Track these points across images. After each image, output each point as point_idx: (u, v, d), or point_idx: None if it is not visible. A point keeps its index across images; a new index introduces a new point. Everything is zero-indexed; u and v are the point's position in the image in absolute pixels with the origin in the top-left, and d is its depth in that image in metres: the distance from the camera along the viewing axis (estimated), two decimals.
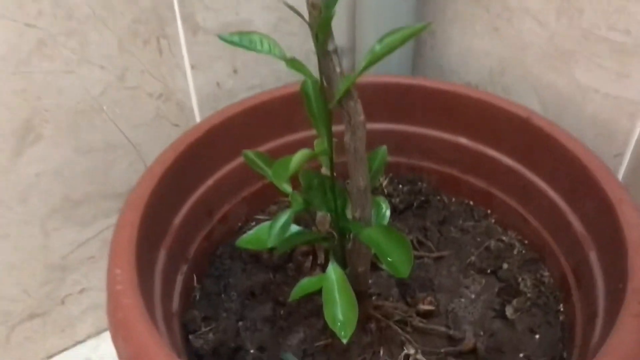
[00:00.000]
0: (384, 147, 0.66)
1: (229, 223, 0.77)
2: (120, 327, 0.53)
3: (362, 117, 0.54)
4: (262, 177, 0.80)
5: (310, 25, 0.49)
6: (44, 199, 0.80)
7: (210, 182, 0.73)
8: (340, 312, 0.58)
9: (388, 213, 0.67)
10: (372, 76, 0.78)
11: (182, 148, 0.69)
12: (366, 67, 0.51)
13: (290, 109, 0.78)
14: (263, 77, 0.90)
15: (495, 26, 0.81)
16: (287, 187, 0.62)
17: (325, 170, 0.68)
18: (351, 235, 0.63)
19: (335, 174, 0.59)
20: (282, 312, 0.69)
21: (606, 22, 0.68)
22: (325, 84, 0.51)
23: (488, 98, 0.75)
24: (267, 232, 0.56)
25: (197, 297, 0.71)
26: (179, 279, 0.69)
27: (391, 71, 0.85)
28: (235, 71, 0.86)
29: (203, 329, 0.67)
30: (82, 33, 0.72)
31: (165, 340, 0.56)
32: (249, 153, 0.62)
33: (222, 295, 0.71)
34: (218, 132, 0.73)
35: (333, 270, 0.61)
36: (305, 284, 0.63)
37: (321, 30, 0.47)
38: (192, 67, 0.82)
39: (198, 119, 0.87)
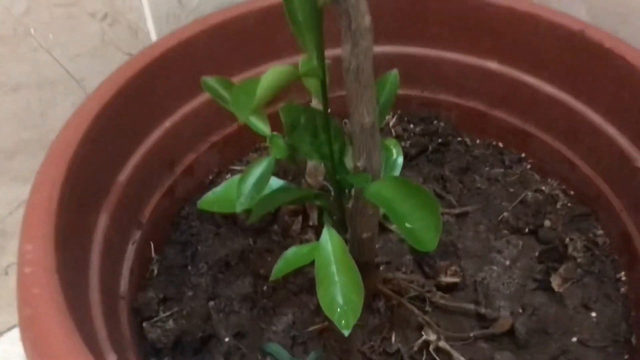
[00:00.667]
0: (395, 72, 0.49)
1: (197, 176, 0.63)
2: (28, 329, 0.37)
3: (367, 20, 0.37)
4: (236, 118, 0.64)
5: None
6: None
7: (167, 123, 0.58)
8: (340, 294, 0.45)
9: (400, 160, 0.51)
10: None
11: (127, 79, 0.53)
12: None
13: (270, 26, 0.62)
14: None
15: None
16: (263, 127, 0.46)
17: (316, 104, 0.51)
18: (353, 191, 0.47)
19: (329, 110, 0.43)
20: (264, 287, 0.57)
21: None
22: None
23: (526, 7, 0.59)
24: (237, 191, 0.40)
25: (155, 272, 0.57)
26: (129, 250, 0.54)
27: None
28: None
29: (161, 315, 0.53)
30: None
31: (98, 343, 0.41)
32: (210, 80, 0.45)
33: (189, 267, 0.59)
34: (176, 58, 0.57)
35: (329, 238, 0.46)
36: (292, 256, 0.48)
37: None
38: None
39: None
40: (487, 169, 0.66)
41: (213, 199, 0.48)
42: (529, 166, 0.66)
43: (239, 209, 0.41)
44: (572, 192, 0.62)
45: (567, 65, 0.58)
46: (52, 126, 0.69)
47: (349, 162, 0.48)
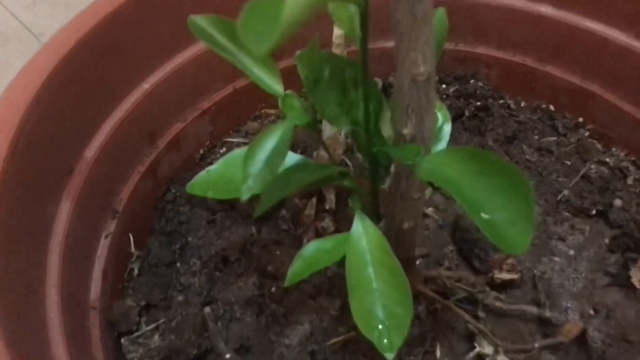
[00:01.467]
0: (442, 10, 0.37)
1: (184, 150, 0.53)
2: None
3: None
4: (233, 78, 0.53)
5: None
6: None
7: (146, 85, 0.47)
8: (380, 306, 0.36)
9: (448, 128, 0.41)
10: None
11: (91, 26, 0.41)
12: None
13: None
14: None
15: None
16: (274, 84, 0.34)
17: (341, 49, 0.40)
18: (392, 168, 0.35)
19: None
20: (273, 289, 0.47)
21: None
22: None
23: None
24: (243, 170, 0.29)
25: (136, 271, 0.47)
26: (102, 246, 0.44)
27: None
28: None
29: (144, 328, 0.43)
30: None
31: None
32: (199, 21, 0.33)
33: (178, 264, 0.49)
34: (153, 1, 0.44)
35: (363, 230, 0.35)
36: (312, 254, 0.38)
37: None
38: None
39: None
40: (536, 137, 0.56)
41: (208, 181, 0.37)
42: (587, 133, 0.56)
43: (245, 195, 0.29)
44: None
45: None
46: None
47: (386, 130, 0.37)
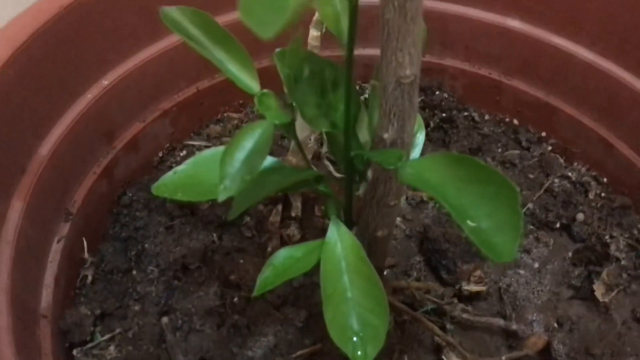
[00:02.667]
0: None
1: (143, 152, 0.52)
2: None
3: None
4: (196, 78, 0.52)
5: None
6: None
7: (105, 82, 0.45)
8: (355, 316, 0.34)
9: (422, 136, 0.40)
10: None
11: (47, 18, 0.38)
12: None
13: None
14: None
15: None
16: (250, 82, 0.32)
17: (315, 49, 0.39)
18: (369, 173, 0.35)
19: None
20: (235, 299, 0.45)
21: None
22: None
23: None
24: (220, 170, 0.27)
25: (90, 278, 0.44)
26: (54, 250, 0.41)
27: None
28: None
29: (99, 338, 0.41)
30: None
31: None
32: (173, 12, 0.31)
33: (133, 272, 0.47)
34: None
35: (339, 237, 0.33)
36: (283, 262, 0.36)
37: None
38: None
39: None
40: (500, 150, 0.56)
41: (175, 182, 0.34)
42: (550, 147, 0.56)
43: (222, 196, 0.28)
44: (605, 179, 0.52)
45: (612, 25, 0.48)
46: None
47: (362, 135, 0.36)
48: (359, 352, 0.33)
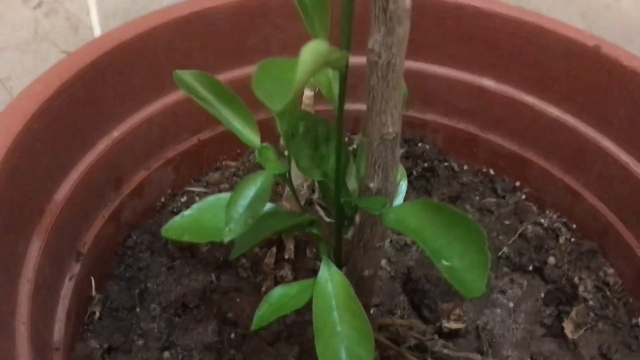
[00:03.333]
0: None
1: (147, 197, 0.54)
2: None
3: (408, 0, 0.29)
4: (197, 130, 0.56)
5: None
6: None
7: (116, 134, 0.49)
8: (344, 349, 0.37)
9: (405, 185, 0.44)
10: None
11: (68, 76, 0.43)
12: None
13: (242, 25, 0.53)
14: None
15: None
16: (252, 136, 0.37)
17: (307, 104, 0.43)
18: (357, 219, 0.38)
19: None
20: (232, 335, 0.47)
21: None
22: None
23: (531, 18, 0.53)
24: (225, 215, 0.31)
25: (97, 314, 0.46)
26: (66, 287, 0.44)
27: None
28: None
29: None
30: None
31: None
32: (185, 75, 0.36)
33: (137, 309, 0.49)
34: (130, 55, 0.48)
35: (329, 276, 0.37)
36: (278, 299, 0.39)
37: None
38: None
39: None
40: (478, 198, 0.59)
41: (182, 225, 0.38)
42: (524, 196, 0.59)
43: (227, 237, 0.31)
44: (574, 226, 0.56)
45: (576, 85, 0.52)
46: None
47: (351, 183, 0.40)
48: None
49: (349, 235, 0.41)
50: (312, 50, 0.23)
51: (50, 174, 0.43)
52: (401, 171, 0.45)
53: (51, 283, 0.42)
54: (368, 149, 0.35)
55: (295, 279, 0.50)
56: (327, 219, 0.50)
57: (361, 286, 0.41)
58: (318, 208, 0.51)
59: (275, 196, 0.53)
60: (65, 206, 0.43)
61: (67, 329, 0.42)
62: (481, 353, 0.48)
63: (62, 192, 0.43)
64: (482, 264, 0.31)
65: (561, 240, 0.55)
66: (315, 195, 0.52)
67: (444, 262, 0.31)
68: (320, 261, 0.39)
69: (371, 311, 0.48)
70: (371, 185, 0.36)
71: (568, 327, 0.49)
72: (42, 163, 0.41)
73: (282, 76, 0.23)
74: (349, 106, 0.37)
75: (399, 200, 0.45)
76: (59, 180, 0.43)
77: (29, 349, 0.35)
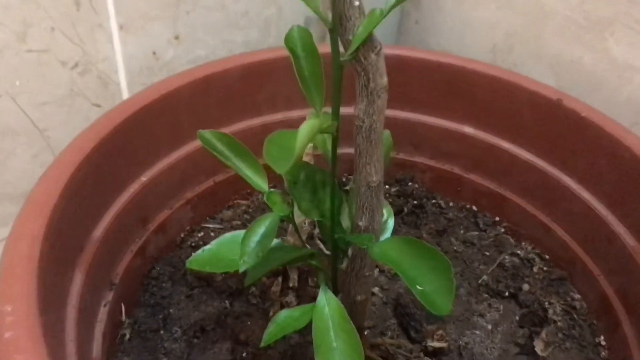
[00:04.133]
0: (387, 132, 0.49)
1: (169, 233, 0.61)
2: None
3: (384, 80, 0.37)
4: (213, 173, 0.64)
5: None
6: None
7: (144, 178, 0.56)
8: None
9: (392, 222, 0.51)
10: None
11: (106, 132, 0.51)
12: (396, 4, 0.34)
13: (252, 84, 0.61)
14: (211, 49, 0.71)
15: None
16: (261, 183, 0.44)
17: (308, 158, 0.51)
18: (349, 252, 0.45)
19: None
20: (244, 354, 0.54)
21: None
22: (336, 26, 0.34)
23: (504, 75, 0.61)
24: (240, 248, 0.38)
25: (127, 336, 0.53)
26: (102, 312, 0.51)
27: None
28: (176, 37, 0.67)
29: None
30: None
31: None
32: (206, 133, 0.43)
33: (161, 332, 0.55)
34: (156, 111, 0.55)
35: (326, 301, 0.44)
36: (283, 320, 0.46)
37: None
38: (121, 28, 0.63)
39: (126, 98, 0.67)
40: (462, 231, 0.66)
41: (204, 258, 0.45)
42: (503, 230, 0.66)
43: (242, 267, 0.39)
44: (547, 256, 0.63)
45: (543, 132, 0.60)
46: (9, 179, 0.65)
47: (345, 221, 0.47)
48: None
49: (343, 265, 0.48)
50: (308, 125, 0.30)
51: (90, 214, 0.50)
52: (388, 210, 0.52)
53: (90, 308, 0.49)
54: (356, 194, 0.42)
55: (298, 304, 0.56)
56: (327, 252, 0.57)
57: (355, 309, 0.48)
58: (319, 242, 0.58)
59: (281, 231, 0.60)
60: (101, 243, 0.50)
61: (103, 348, 0.49)
62: None
63: (99, 231, 0.51)
64: (448, 289, 0.37)
65: (535, 269, 0.62)
66: (317, 231, 0.60)
67: (418, 287, 0.38)
68: (319, 288, 0.46)
69: (365, 332, 0.55)
70: (360, 223, 0.43)
71: (539, 346, 0.55)
72: (84, 205, 0.49)
73: (285, 145, 0.30)
74: (345, 150, 0.45)
75: (386, 235, 0.52)
76: (96, 220, 0.51)
77: None
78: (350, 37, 0.35)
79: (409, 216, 0.67)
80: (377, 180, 0.41)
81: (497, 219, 0.67)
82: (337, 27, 0.35)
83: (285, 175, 0.43)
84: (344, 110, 0.39)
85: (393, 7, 0.34)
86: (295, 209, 0.45)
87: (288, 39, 0.40)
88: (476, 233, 0.66)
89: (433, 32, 0.76)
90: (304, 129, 0.29)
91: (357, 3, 0.34)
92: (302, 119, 0.37)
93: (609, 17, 0.59)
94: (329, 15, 0.35)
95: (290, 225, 0.56)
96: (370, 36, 0.35)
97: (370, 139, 0.39)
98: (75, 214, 0.47)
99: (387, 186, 0.69)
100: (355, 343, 0.43)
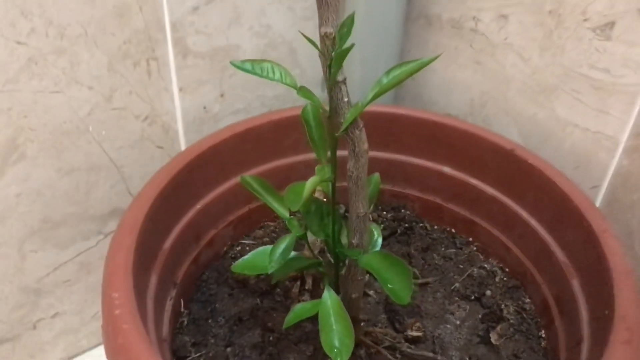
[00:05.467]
0: (377, 175, 0.67)
1: (215, 247, 0.77)
2: (120, 352, 0.52)
3: (365, 146, 0.55)
4: (248, 202, 0.81)
5: (322, 55, 0.50)
6: (23, 219, 0.78)
7: (199, 206, 0.73)
8: (337, 339, 0.58)
9: (380, 240, 0.68)
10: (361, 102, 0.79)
11: (175, 171, 0.69)
12: (374, 98, 0.53)
13: (279, 134, 0.79)
14: (248, 102, 0.90)
15: (478, 60, 0.84)
16: (284, 211, 0.62)
17: (319, 194, 0.69)
18: (346, 262, 0.63)
19: (325, 199, 0.60)
20: (270, 338, 0.68)
21: (587, 61, 0.71)
22: (332, 112, 0.52)
23: (473, 129, 0.78)
24: (269, 257, 0.56)
25: (185, 322, 0.71)
26: (168, 304, 0.69)
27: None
28: (222, 95, 0.87)
29: (193, 355, 0.67)
30: (72, 52, 0.72)
31: None
32: (247, 177, 0.62)
33: (210, 320, 0.71)
34: (209, 156, 0.74)
35: (329, 297, 0.61)
36: (300, 309, 0.63)
37: (336, 62, 0.48)
38: (180, 90, 0.82)
39: (182, 142, 0.87)
40: (443, 249, 0.82)
41: (245, 263, 0.64)
42: (475, 248, 0.81)
43: (270, 270, 0.57)
44: (507, 269, 0.79)
45: (503, 174, 0.76)
46: (92, 204, 0.84)
47: (344, 239, 0.65)
48: (338, 358, 0.60)
49: (343, 272, 0.66)
50: (312, 180, 0.49)
51: (162, 232, 0.69)
52: (378, 231, 0.70)
53: (161, 301, 0.67)
54: (350, 221, 0.60)
55: None
56: (331, 261, 0.75)
57: (350, 304, 0.66)
58: (328, 255, 0.77)
59: (300, 246, 0.78)
60: (168, 253, 0.69)
61: (169, 329, 0.67)
62: (434, 353, 0.71)
63: (167, 244, 0.69)
64: (408, 287, 0.55)
65: (497, 279, 0.78)
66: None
67: (389, 286, 0.56)
68: (325, 288, 0.64)
69: (362, 324, 0.73)
70: (353, 241, 0.61)
71: (494, 337, 0.71)
72: (159, 226, 0.68)
73: (298, 192, 0.49)
74: (344, 183, 0.63)
75: (376, 249, 0.69)
76: (165, 237, 0.70)
77: (154, 338, 0.61)
78: (342, 120, 0.53)
79: (401, 236, 0.84)
80: (364, 212, 0.59)
81: (470, 239, 0.81)
82: (333, 114, 0.53)
83: (300, 208, 0.61)
84: (341, 153, 0.53)
85: (369, 102, 0.52)
86: (309, 231, 0.64)
87: (304, 112, 0.58)
88: (453, 250, 0.81)
89: (426, 88, 0.94)
90: (309, 183, 0.48)
91: (345, 99, 0.52)
92: (316, 161, 0.56)
93: (554, 84, 0.77)
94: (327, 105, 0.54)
95: (306, 244, 0.75)
96: (355, 119, 0.53)
97: (357, 184, 0.57)
98: (153, 232, 0.66)
99: (384, 212, 0.87)
100: (348, 326, 0.60)
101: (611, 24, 0.68)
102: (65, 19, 0.69)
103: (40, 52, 0.69)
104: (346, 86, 0.52)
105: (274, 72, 0.51)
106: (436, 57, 0.50)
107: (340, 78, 0.51)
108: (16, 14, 0.66)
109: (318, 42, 0.49)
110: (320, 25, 0.48)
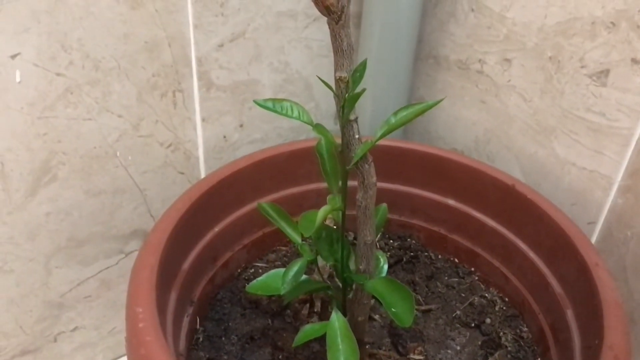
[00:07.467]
0: (385, 205, 0.72)
1: (230, 269, 0.82)
2: None
3: (374, 179, 0.60)
4: (263, 226, 0.86)
5: (336, 96, 0.55)
6: (51, 237, 0.83)
7: (217, 229, 0.78)
8: (343, 357, 0.63)
9: (386, 267, 0.72)
10: (371, 138, 0.84)
11: (196, 196, 0.74)
12: (382, 136, 0.57)
13: (294, 163, 0.84)
14: (265, 132, 0.96)
15: (482, 99, 0.89)
16: (296, 237, 0.67)
17: (329, 222, 0.74)
18: (353, 286, 0.68)
19: (335, 227, 0.65)
20: (280, 356, 0.72)
21: (584, 104, 0.76)
22: (344, 147, 0.57)
23: (477, 165, 0.82)
24: (281, 279, 0.61)
25: (200, 339, 0.75)
26: (185, 321, 0.73)
27: None
28: (241, 125, 0.92)
29: None
30: (105, 83, 0.78)
31: None
32: (264, 205, 0.67)
33: (223, 338, 0.75)
34: (228, 183, 0.79)
35: (336, 319, 0.65)
36: (309, 330, 0.67)
37: (349, 103, 0.53)
38: (203, 120, 0.88)
39: (202, 168, 0.92)
40: (446, 278, 0.86)
41: (259, 284, 0.68)
42: (476, 277, 0.85)
43: (282, 291, 0.61)
44: (506, 299, 0.83)
45: (503, 207, 0.81)
46: (115, 224, 0.89)
47: (352, 265, 0.70)
48: None
49: (350, 295, 0.70)
50: (324, 210, 0.54)
51: (182, 253, 0.74)
52: (384, 258, 0.75)
53: (179, 317, 0.72)
54: (358, 248, 0.65)
55: None
56: (340, 285, 0.80)
57: (357, 327, 0.70)
58: (336, 279, 0.81)
59: (310, 271, 0.83)
60: (187, 273, 0.74)
61: (185, 345, 0.72)
62: None
63: (186, 265, 0.74)
64: (410, 310, 0.59)
65: (496, 307, 0.82)
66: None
67: (393, 309, 0.60)
68: (333, 310, 0.69)
69: (367, 346, 0.77)
70: (360, 267, 0.66)
71: None
72: (179, 247, 0.72)
73: (311, 220, 0.54)
74: (353, 212, 0.67)
75: (382, 275, 0.74)
76: (185, 257, 0.74)
77: (173, 352, 0.66)
78: (353, 155, 0.58)
79: (407, 264, 0.89)
80: (371, 240, 0.64)
81: (472, 269, 0.85)
82: (345, 149, 0.58)
83: (312, 235, 0.66)
84: (351, 183, 0.58)
85: (378, 139, 0.57)
86: (319, 256, 0.68)
87: (318, 146, 0.63)
88: (456, 279, 0.85)
89: (433, 124, 0.99)
90: (321, 211, 0.53)
91: (357, 136, 0.57)
92: (327, 191, 0.61)
93: (553, 125, 0.81)
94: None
95: (316, 268, 0.80)
96: (365, 154, 0.58)
97: (366, 214, 0.62)
98: (174, 252, 0.71)
99: (391, 241, 0.91)
100: (354, 347, 0.64)
101: (606, 72, 0.73)
102: (100, 53, 0.75)
103: (76, 83, 0.75)
104: (357, 124, 0.57)
105: (292, 111, 0.56)
106: (441, 100, 0.56)
107: (352, 117, 0.56)
108: (57, 49, 0.72)
109: (333, 84, 0.54)
110: (336, 70, 0.53)
